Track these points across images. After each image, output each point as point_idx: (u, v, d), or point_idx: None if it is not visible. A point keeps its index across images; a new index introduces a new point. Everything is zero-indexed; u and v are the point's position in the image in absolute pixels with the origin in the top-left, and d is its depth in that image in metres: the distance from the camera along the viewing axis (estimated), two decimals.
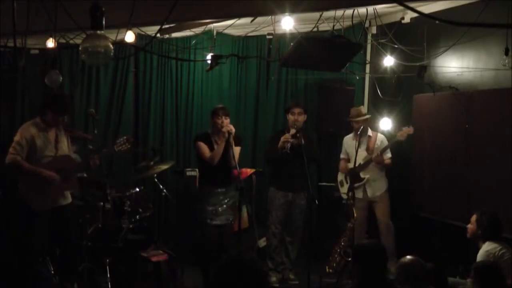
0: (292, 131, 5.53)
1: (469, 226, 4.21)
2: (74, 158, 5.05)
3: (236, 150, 5.24)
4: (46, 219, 4.69)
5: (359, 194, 5.84)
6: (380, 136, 5.87)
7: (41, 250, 4.76)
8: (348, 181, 5.93)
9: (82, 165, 4.99)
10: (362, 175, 5.81)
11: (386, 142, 5.80)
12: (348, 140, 6.04)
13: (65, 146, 4.90)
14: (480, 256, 4.01)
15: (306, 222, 5.73)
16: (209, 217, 5.20)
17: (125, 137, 5.11)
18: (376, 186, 5.83)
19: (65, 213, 4.87)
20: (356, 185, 5.79)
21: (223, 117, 5.22)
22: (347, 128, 6.53)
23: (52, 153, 4.77)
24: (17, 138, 4.67)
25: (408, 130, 5.57)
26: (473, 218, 4.17)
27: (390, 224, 5.79)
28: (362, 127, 5.71)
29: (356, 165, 5.73)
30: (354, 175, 5.79)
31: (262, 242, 6.15)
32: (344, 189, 6.04)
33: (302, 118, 5.65)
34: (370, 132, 5.89)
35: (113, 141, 6.45)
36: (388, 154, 5.81)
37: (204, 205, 5.23)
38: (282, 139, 5.50)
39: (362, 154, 5.79)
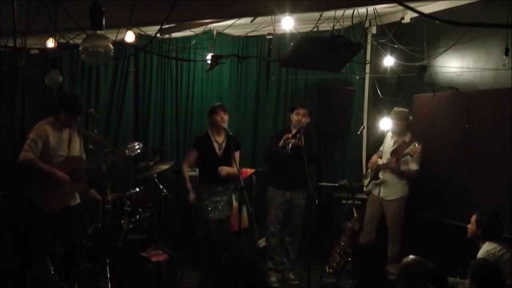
0: (293, 131, 5.54)
1: (469, 226, 4.21)
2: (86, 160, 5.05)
3: (236, 155, 5.28)
4: (51, 219, 4.68)
5: (375, 191, 5.83)
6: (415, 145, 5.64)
7: (42, 250, 4.76)
8: (371, 176, 5.93)
9: (93, 168, 4.98)
10: (380, 175, 5.79)
11: (409, 151, 5.59)
12: (388, 137, 5.94)
13: (77, 147, 4.89)
14: (480, 256, 4.00)
15: (306, 222, 5.73)
16: (210, 213, 5.22)
17: (137, 143, 5.16)
18: (390, 189, 5.74)
19: (73, 213, 4.87)
20: (373, 182, 5.79)
21: (222, 113, 5.28)
22: (347, 128, 6.55)
23: (65, 153, 4.76)
24: (32, 135, 4.65)
25: (417, 148, 5.39)
26: (473, 218, 4.17)
27: (398, 233, 5.69)
28: (401, 129, 5.66)
29: (381, 163, 5.73)
30: (376, 172, 5.81)
31: (262, 242, 6.16)
32: (365, 182, 6.03)
33: (306, 119, 5.64)
34: (407, 138, 5.72)
35: (115, 142, 6.49)
36: (415, 166, 5.64)
37: (203, 201, 5.25)
38: (284, 137, 5.51)
39: (388, 155, 5.77)
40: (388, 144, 5.89)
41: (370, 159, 6.05)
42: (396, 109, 5.81)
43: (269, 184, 5.81)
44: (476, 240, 4.14)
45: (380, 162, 5.84)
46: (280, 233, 5.75)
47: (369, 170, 6.04)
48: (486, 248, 4.01)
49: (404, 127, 5.74)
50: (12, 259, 4.85)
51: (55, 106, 4.85)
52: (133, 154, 5.12)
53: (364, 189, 6.05)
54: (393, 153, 5.71)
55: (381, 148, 6.04)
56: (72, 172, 4.71)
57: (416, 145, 5.43)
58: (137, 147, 5.10)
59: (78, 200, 4.94)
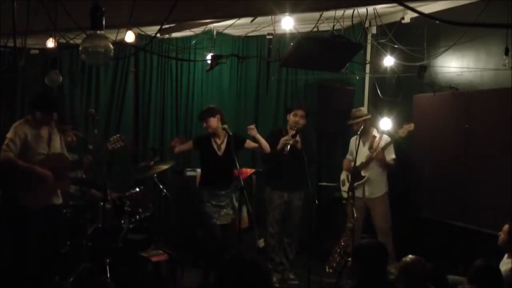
0: (291, 132, 5.54)
1: (500, 234, 4.05)
2: (68, 157, 5.04)
3: (249, 143, 5.39)
4: (40, 218, 4.67)
5: (358, 193, 5.84)
6: (385, 136, 5.80)
7: (39, 250, 4.75)
8: (350, 180, 5.93)
9: (75, 164, 4.98)
10: (363, 173, 5.81)
11: (389, 141, 5.76)
12: (354, 141, 6.00)
13: (57, 144, 4.89)
14: (501, 267, 3.87)
15: (307, 222, 5.73)
16: (214, 218, 5.20)
17: (118, 135, 5.15)
18: (374, 187, 5.81)
19: (58, 212, 4.87)
20: (357, 183, 5.79)
21: (206, 120, 5.27)
22: (347, 128, 6.53)
23: (45, 151, 4.76)
24: (10, 135, 4.66)
25: (408, 126, 5.57)
26: (506, 227, 4.00)
27: (388, 232, 5.73)
28: (362, 127, 5.69)
29: (358, 164, 5.74)
30: (355, 173, 5.80)
31: (261, 243, 6.16)
32: (345, 188, 6.05)
33: (303, 121, 5.65)
34: (375, 132, 5.84)
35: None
36: (392, 155, 5.77)
37: (207, 206, 5.23)
38: (282, 140, 5.50)
39: (364, 153, 5.79)
40: (356, 145, 5.90)
41: (344, 165, 6.09)
42: (354, 110, 5.93)
43: (267, 185, 5.81)
44: (506, 250, 4.01)
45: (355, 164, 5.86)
46: (278, 234, 5.75)
47: (343, 177, 6.08)
48: (508, 265, 3.89)
49: (368, 123, 5.81)
50: (11, 259, 4.85)
51: (29, 106, 4.86)
52: (116, 147, 5.10)
53: (345, 195, 6.04)
54: (371, 148, 5.76)
55: (348, 156, 6.07)
56: (53, 168, 4.71)
57: (404, 125, 5.56)
58: (115, 139, 5.08)
59: (60, 200, 4.93)
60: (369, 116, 5.87)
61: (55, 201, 4.85)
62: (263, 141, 5.40)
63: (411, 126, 5.57)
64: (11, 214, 4.72)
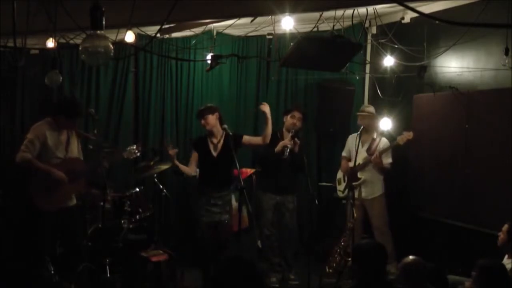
0: (286, 134, 5.55)
1: (500, 234, 4.08)
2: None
3: (247, 138, 5.33)
4: (51, 220, 4.69)
5: (355, 194, 5.84)
6: (384, 140, 5.84)
7: (44, 251, 4.76)
8: (346, 180, 5.95)
9: (90, 169, 4.99)
10: (359, 175, 5.82)
11: (387, 145, 5.78)
12: (352, 139, 6.02)
13: (75, 148, 4.91)
14: None
15: (306, 222, 5.73)
16: (202, 215, 5.18)
17: (135, 146, 5.19)
18: (371, 188, 5.83)
19: (72, 214, 4.88)
20: (354, 183, 5.80)
21: (203, 118, 5.23)
22: (347, 128, 6.54)
23: (62, 155, 4.78)
24: (30, 136, 4.67)
25: (408, 135, 5.55)
26: (505, 227, 4.05)
27: (387, 232, 5.75)
28: (362, 127, 5.67)
29: (356, 164, 5.74)
30: (352, 174, 5.80)
31: (261, 243, 6.16)
32: (341, 187, 6.06)
33: (300, 123, 5.66)
34: (375, 135, 5.85)
35: (115, 142, 6.50)
36: (389, 160, 5.79)
37: (198, 203, 5.23)
38: (281, 143, 5.49)
39: (363, 154, 5.79)
40: (354, 145, 5.89)
41: (341, 165, 6.10)
42: (364, 105, 5.96)
43: (257, 188, 5.80)
44: (505, 251, 4.03)
45: (351, 164, 5.85)
46: (274, 235, 5.75)
47: (339, 176, 6.08)
48: (508, 265, 3.87)
49: (372, 122, 5.82)
50: (14, 259, 4.86)
51: (54, 109, 4.86)
52: (131, 158, 5.12)
53: (340, 194, 6.07)
54: (369, 150, 5.75)
55: (344, 153, 6.06)
56: (69, 172, 4.72)
57: (404, 133, 5.55)
58: (136, 151, 5.11)
59: (74, 201, 4.95)
60: (374, 113, 5.85)
61: (69, 204, 4.86)
62: (269, 125, 5.24)
63: (410, 135, 5.54)
64: (24, 214, 4.73)
